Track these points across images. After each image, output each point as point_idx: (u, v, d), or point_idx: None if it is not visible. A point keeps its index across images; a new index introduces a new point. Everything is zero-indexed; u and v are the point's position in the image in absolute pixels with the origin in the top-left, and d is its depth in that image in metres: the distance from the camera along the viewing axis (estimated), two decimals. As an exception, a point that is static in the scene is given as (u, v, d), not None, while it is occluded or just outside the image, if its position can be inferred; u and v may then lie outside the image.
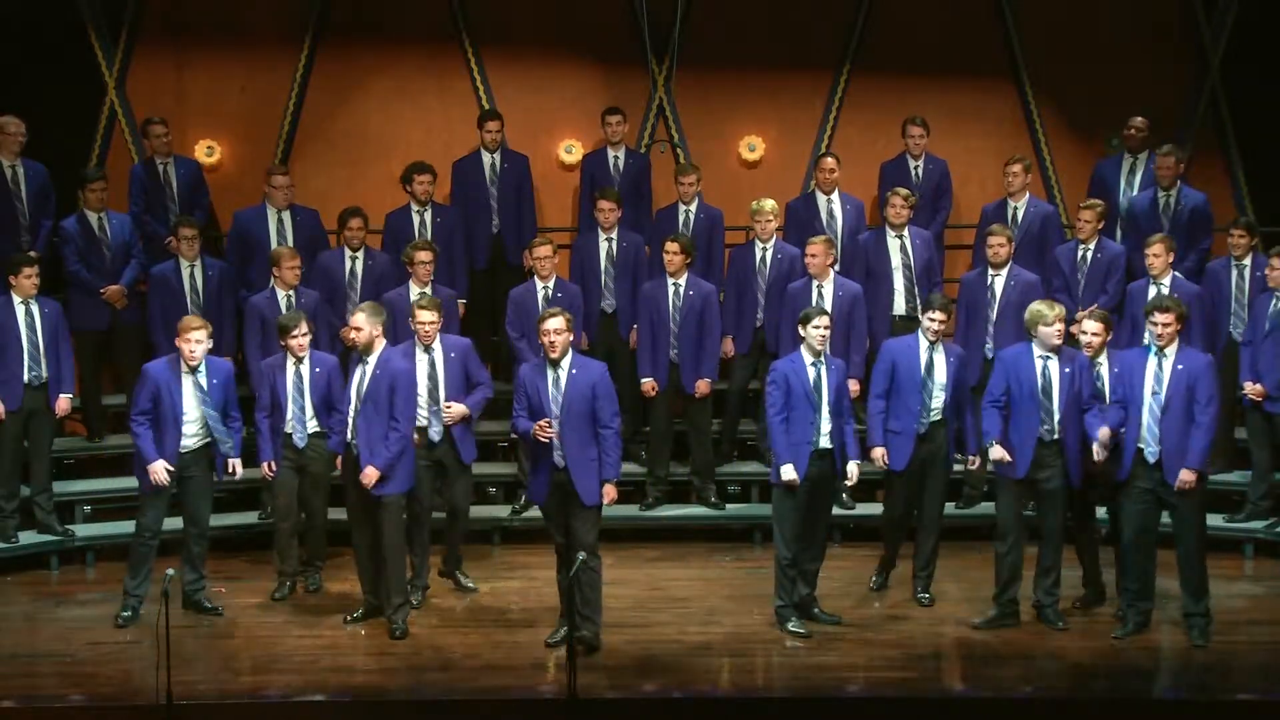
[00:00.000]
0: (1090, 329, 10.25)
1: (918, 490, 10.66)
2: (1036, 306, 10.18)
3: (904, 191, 12.20)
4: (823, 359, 10.10)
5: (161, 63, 13.70)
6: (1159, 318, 9.87)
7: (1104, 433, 9.91)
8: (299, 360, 10.69)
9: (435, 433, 10.68)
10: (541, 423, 9.77)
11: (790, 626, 10.15)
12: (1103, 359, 10.24)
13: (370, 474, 10.07)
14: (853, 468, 10.19)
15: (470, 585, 11.01)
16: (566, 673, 8.70)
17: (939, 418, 10.53)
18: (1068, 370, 10.05)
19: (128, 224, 12.44)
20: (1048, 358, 10.07)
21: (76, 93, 13.50)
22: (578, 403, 9.80)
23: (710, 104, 13.86)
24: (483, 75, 13.81)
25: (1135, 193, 12.67)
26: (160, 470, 10.25)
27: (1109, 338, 10.30)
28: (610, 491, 9.88)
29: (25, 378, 11.32)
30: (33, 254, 11.79)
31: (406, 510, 10.63)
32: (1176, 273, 11.71)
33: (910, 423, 10.50)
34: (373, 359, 10.16)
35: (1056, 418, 10.04)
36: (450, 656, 9.95)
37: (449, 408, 10.65)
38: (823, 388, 10.05)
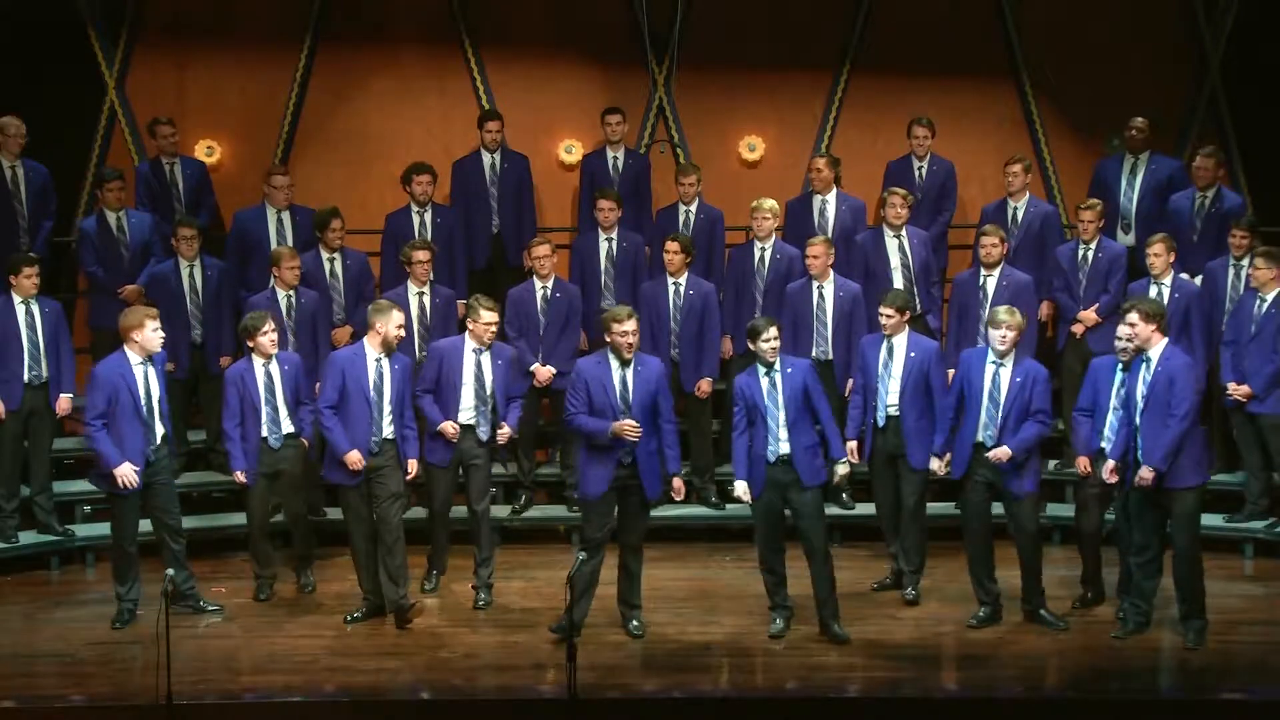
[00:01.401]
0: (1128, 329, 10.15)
1: (891, 482, 10.74)
2: (994, 311, 10.21)
3: (902, 191, 12.20)
4: (776, 367, 10.05)
5: (161, 63, 13.70)
6: (1126, 319, 9.89)
7: (1002, 451, 9.96)
8: (267, 361, 10.64)
9: (484, 433, 10.69)
10: (629, 425, 9.78)
11: (772, 627, 10.19)
12: (1009, 360, 10.14)
13: (414, 465, 10.47)
14: (840, 468, 10.31)
15: (484, 599, 10.83)
16: (566, 673, 8.69)
17: (896, 412, 10.58)
18: (1019, 380, 10.03)
19: (147, 223, 12.44)
20: (1000, 364, 10.07)
21: (76, 93, 13.50)
22: (644, 399, 9.89)
23: (710, 104, 13.86)
24: (483, 75, 13.81)
25: (1136, 193, 12.67)
26: (130, 473, 10.14)
27: (1156, 326, 10.00)
28: (679, 485, 10.10)
29: (25, 377, 11.32)
30: (33, 254, 11.79)
31: (428, 509, 10.82)
32: (1199, 276, 11.74)
33: (871, 416, 10.64)
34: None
35: (998, 424, 10.03)
36: (450, 656, 9.95)
37: (502, 428, 10.69)
38: (777, 397, 10.00)
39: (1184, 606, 9.98)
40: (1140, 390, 9.82)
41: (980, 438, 10.08)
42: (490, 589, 10.81)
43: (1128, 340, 9.88)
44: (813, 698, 9.38)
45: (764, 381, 10.03)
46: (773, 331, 10.02)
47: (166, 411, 10.36)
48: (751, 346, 10.09)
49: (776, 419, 9.99)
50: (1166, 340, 9.90)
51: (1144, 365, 9.84)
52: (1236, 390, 11.33)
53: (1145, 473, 9.74)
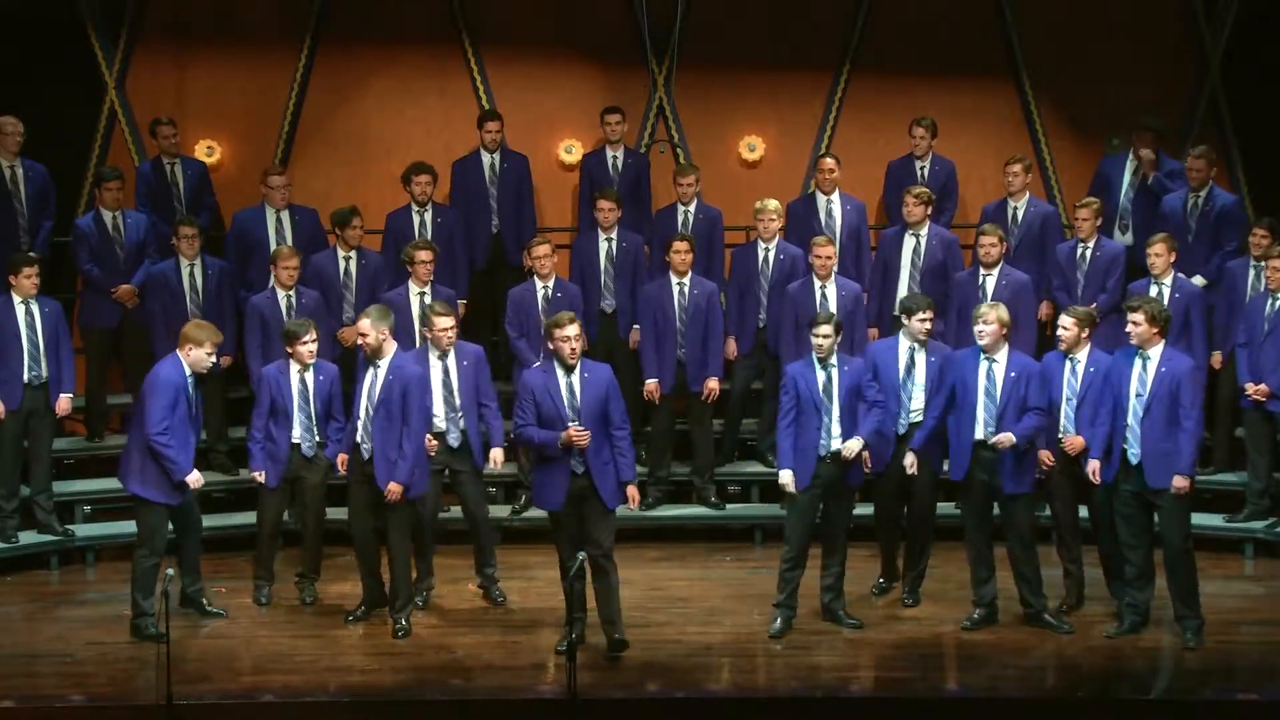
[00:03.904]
0: (1062, 323, 10.28)
1: (904, 491, 10.68)
2: (975, 308, 10.25)
3: (916, 190, 12.18)
4: (833, 362, 10.06)
5: (161, 63, 13.69)
6: (1128, 317, 9.92)
7: (1003, 437, 9.96)
8: (304, 368, 10.61)
9: (454, 438, 10.66)
10: (575, 431, 9.64)
11: (772, 626, 10.18)
12: (1080, 356, 10.22)
13: (395, 490, 10.06)
14: (852, 443, 10.05)
15: (499, 598, 10.89)
16: (566, 673, 8.70)
17: (919, 419, 10.51)
18: (1013, 374, 10.03)
19: (144, 223, 12.44)
20: (992, 360, 10.07)
21: (76, 93, 13.50)
22: (593, 406, 9.73)
23: (710, 104, 13.86)
24: (483, 75, 13.81)
25: (1136, 194, 12.68)
26: (200, 479, 10.11)
27: (1085, 334, 10.25)
28: (634, 493, 9.90)
29: (25, 377, 11.32)
30: (32, 254, 11.79)
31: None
32: (1198, 275, 11.75)
33: (889, 424, 10.50)
34: (384, 363, 10.14)
35: (996, 420, 10.03)
36: (451, 656, 9.96)
37: (495, 460, 10.64)
38: (833, 392, 10.02)
39: (1180, 606, 9.97)
40: (1134, 388, 9.82)
41: (980, 436, 10.09)
42: (497, 583, 10.86)
43: (1131, 337, 9.88)
44: (813, 698, 9.38)
45: (820, 375, 10.02)
46: (821, 329, 10.03)
47: (200, 421, 10.37)
48: (813, 338, 10.05)
49: (831, 414, 10.00)
50: (1164, 342, 9.90)
51: (1140, 364, 9.85)
52: (1255, 390, 11.31)
53: (1180, 481, 9.74)
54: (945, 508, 11.60)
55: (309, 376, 10.61)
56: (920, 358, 10.55)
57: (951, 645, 10.15)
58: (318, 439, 10.65)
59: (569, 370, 9.76)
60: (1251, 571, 11.46)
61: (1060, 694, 9.51)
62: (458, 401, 10.62)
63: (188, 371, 10.10)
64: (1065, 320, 10.30)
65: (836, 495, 10.13)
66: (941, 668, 9.95)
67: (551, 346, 9.78)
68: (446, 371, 10.62)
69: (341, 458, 10.41)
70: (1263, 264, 11.67)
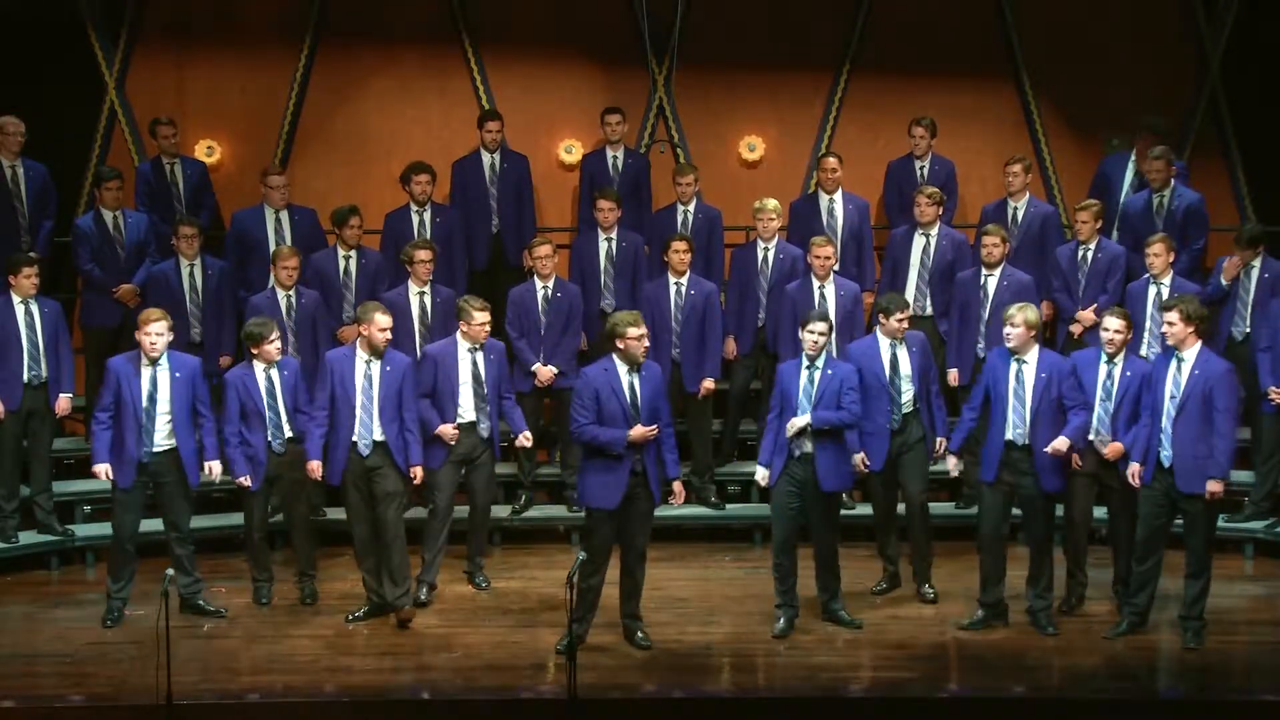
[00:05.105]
0: (1112, 325, 10.21)
1: (896, 481, 10.72)
2: (1006, 309, 10.26)
3: (929, 190, 12.19)
4: (819, 364, 10.08)
5: (161, 63, 13.70)
6: (1163, 316, 9.91)
7: (1060, 443, 9.93)
8: (269, 366, 10.62)
9: (485, 429, 10.77)
10: (648, 430, 9.72)
11: (775, 626, 10.21)
12: (1119, 359, 10.24)
13: (419, 472, 10.42)
14: (800, 420, 10.07)
15: (482, 584, 11.05)
16: (566, 673, 8.70)
17: (911, 409, 10.60)
18: (1044, 375, 10.04)
19: (144, 223, 12.45)
20: (1022, 361, 10.07)
21: (76, 93, 13.50)
22: (650, 404, 9.84)
23: (710, 104, 13.86)
24: (483, 75, 13.81)
25: (1136, 193, 12.68)
26: (102, 472, 10.24)
27: (1129, 337, 10.27)
28: (680, 489, 10.07)
29: (25, 377, 11.32)
30: (33, 254, 11.80)
31: (431, 509, 10.77)
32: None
33: (883, 422, 10.55)
34: (380, 358, 10.32)
35: (1028, 421, 10.03)
36: (450, 656, 9.96)
37: (523, 437, 10.85)
38: (812, 394, 10.04)
39: (1187, 609, 9.96)
40: (1169, 390, 9.80)
41: (1009, 437, 10.07)
42: (482, 569, 11.06)
43: (1166, 337, 9.88)
44: (813, 698, 9.39)
45: (802, 376, 10.07)
46: (817, 327, 10.07)
47: (184, 416, 10.32)
48: (805, 336, 10.11)
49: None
50: (1200, 344, 9.86)
51: (1175, 366, 9.82)
52: (1276, 394, 11.25)
53: (1215, 486, 9.70)
54: (945, 507, 11.62)
55: (274, 374, 10.63)
56: (902, 353, 10.62)
57: (951, 645, 10.16)
58: (288, 434, 10.66)
59: (632, 369, 9.81)
60: (1251, 571, 11.47)
61: (1060, 694, 9.50)
62: (486, 393, 10.73)
63: (143, 362, 10.26)
64: (1118, 324, 10.17)
65: (812, 498, 10.12)
66: (941, 668, 9.95)
67: (622, 346, 9.79)
68: (476, 364, 10.69)
69: (314, 465, 10.43)
70: (1254, 264, 11.67)
